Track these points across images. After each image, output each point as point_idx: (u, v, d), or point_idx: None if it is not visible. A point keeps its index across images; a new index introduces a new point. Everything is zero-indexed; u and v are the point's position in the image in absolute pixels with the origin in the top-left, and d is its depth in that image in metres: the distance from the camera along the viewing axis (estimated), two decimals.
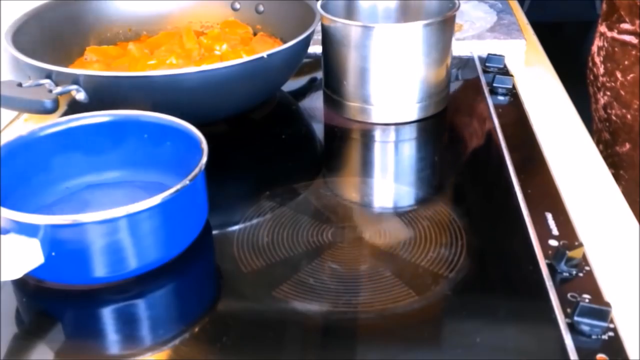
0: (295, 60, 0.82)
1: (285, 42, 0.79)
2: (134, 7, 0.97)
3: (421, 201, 0.66)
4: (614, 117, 0.92)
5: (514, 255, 0.58)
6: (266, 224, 0.63)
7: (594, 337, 0.49)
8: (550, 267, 0.55)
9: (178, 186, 0.54)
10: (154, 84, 0.70)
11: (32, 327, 0.53)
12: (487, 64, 0.92)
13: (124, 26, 0.95)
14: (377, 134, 0.79)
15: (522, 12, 1.18)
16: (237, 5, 0.99)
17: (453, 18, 0.79)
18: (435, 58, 0.78)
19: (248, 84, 0.75)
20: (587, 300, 0.50)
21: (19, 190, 0.59)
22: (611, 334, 0.49)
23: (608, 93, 0.90)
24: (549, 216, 0.62)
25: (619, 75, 0.88)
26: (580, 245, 0.56)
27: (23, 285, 0.55)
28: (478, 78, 0.89)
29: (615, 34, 0.90)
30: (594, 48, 0.97)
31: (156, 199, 0.53)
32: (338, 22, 0.78)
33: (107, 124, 0.65)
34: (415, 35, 0.76)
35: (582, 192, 0.67)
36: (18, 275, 0.51)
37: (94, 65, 0.85)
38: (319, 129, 0.84)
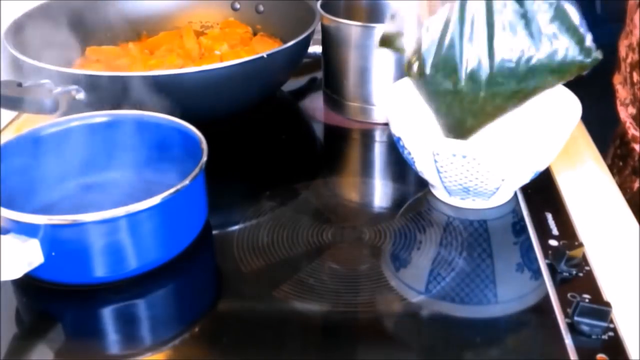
0: (295, 60, 0.82)
1: (285, 42, 0.79)
2: (134, 7, 0.97)
3: (421, 201, 0.66)
4: None
5: (513, 255, 0.58)
6: (266, 224, 0.63)
7: (594, 337, 0.49)
8: (550, 267, 0.55)
9: (178, 186, 0.54)
10: (154, 84, 0.70)
11: (32, 327, 0.53)
12: None
13: (124, 26, 0.95)
14: (377, 134, 0.79)
15: None
16: (237, 5, 0.99)
17: None
18: None
19: (248, 84, 0.75)
20: (587, 300, 0.50)
21: (19, 190, 0.59)
22: (611, 334, 0.49)
23: None
24: (549, 216, 0.62)
25: None
26: (580, 245, 0.56)
27: (23, 285, 0.55)
28: None
29: None
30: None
31: (156, 199, 0.53)
32: (338, 22, 0.78)
33: (107, 124, 0.65)
34: None
35: (582, 192, 0.67)
36: (18, 275, 0.51)
37: (94, 65, 0.85)
38: (319, 129, 0.84)
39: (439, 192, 0.65)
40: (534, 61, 0.57)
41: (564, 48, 0.57)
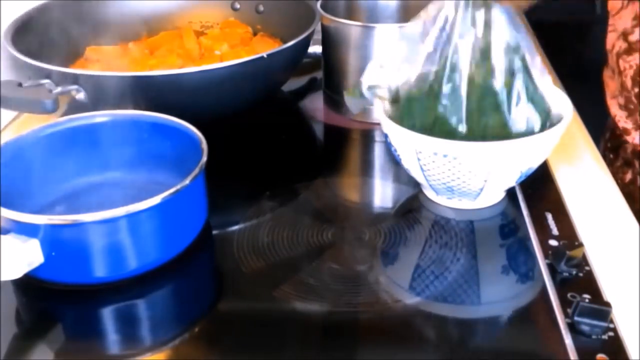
0: (295, 60, 0.82)
1: (285, 42, 0.79)
2: (135, 7, 0.97)
3: (421, 201, 0.66)
4: None
5: (514, 255, 0.58)
6: (266, 224, 0.63)
7: (594, 337, 0.49)
8: (550, 267, 0.55)
9: (178, 186, 0.54)
10: (154, 84, 0.70)
11: (32, 327, 0.53)
12: None
13: (124, 26, 0.95)
14: (377, 134, 0.79)
15: (522, 12, 1.17)
16: (237, 5, 0.99)
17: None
18: None
19: (248, 84, 0.75)
20: (587, 300, 0.50)
21: (19, 190, 0.59)
22: (611, 334, 0.49)
23: None
24: (549, 216, 0.62)
25: None
26: (580, 245, 0.56)
27: (23, 285, 0.55)
28: None
29: None
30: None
31: (156, 199, 0.53)
32: (338, 22, 0.78)
33: (107, 124, 0.65)
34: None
35: (582, 192, 0.67)
36: (18, 275, 0.51)
37: (94, 65, 0.85)
38: (319, 129, 0.84)
39: (428, 191, 0.65)
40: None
41: (533, 124, 0.60)
